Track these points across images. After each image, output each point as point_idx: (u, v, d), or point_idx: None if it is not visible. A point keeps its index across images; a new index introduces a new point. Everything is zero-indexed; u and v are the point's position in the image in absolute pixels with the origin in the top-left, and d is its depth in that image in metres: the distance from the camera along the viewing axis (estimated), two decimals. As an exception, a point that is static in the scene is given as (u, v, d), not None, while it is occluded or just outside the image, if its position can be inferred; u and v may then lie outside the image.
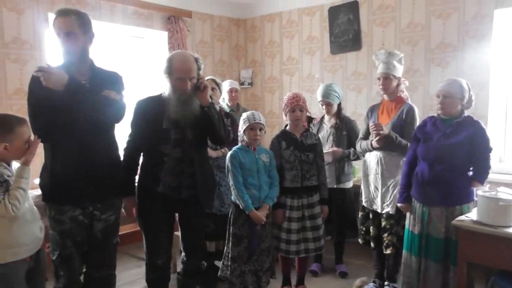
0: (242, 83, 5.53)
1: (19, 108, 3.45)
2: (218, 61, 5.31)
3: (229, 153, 2.84)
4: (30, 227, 2.09)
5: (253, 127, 2.78)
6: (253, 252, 2.80)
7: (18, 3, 3.57)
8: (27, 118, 2.18)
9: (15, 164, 2.13)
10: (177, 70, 2.38)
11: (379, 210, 3.07)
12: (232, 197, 2.82)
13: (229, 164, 2.80)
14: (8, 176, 2.03)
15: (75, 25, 2.16)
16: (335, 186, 3.45)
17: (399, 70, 3.06)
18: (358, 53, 4.51)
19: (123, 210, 2.52)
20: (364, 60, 4.48)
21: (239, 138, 2.88)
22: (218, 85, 3.43)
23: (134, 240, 3.57)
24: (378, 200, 3.06)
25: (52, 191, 2.23)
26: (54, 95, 2.07)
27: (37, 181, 2.34)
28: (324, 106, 3.52)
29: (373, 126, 2.90)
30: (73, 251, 2.27)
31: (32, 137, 2.10)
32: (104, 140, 2.32)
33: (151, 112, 2.44)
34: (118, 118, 2.34)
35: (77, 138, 2.19)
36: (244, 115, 2.84)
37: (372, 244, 3.17)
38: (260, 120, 2.79)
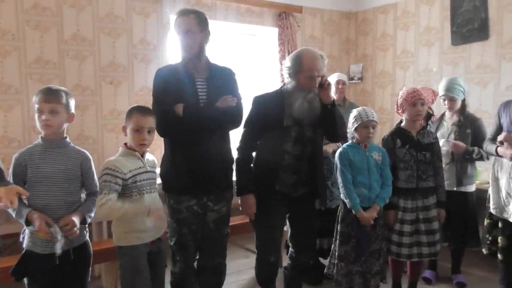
0: (351, 78, 5.38)
1: (144, 103, 3.76)
2: (327, 56, 5.18)
3: (338, 151, 2.77)
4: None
5: (366, 125, 2.67)
6: (361, 253, 2.70)
7: (146, 7, 3.90)
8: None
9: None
10: (307, 68, 2.36)
11: (511, 219, 2.73)
12: (341, 195, 2.75)
13: (338, 162, 2.72)
14: (140, 167, 2.18)
15: (193, 24, 2.28)
16: (455, 188, 3.16)
17: None
18: (484, 44, 4.08)
19: (241, 208, 2.55)
20: (491, 51, 4.03)
21: (349, 135, 2.78)
22: None
23: (242, 231, 3.69)
24: (511, 208, 2.72)
25: (172, 182, 2.38)
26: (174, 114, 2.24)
27: (157, 170, 2.51)
28: (446, 102, 3.24)
29: (506, 138, 2.59)
30: (189, 238, 2.40)
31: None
32: (219, 137, 2.41)
33: (271, 109, 2.44)
34: (237, 123, 2.42)
35: (195, 136, 2.31)
36: (356, 111, 2.73)
37: (499, 256, 2.84)
38: (373, 117, 2.67)
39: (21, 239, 2.12)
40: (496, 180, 2.85)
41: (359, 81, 5.36)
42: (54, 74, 3.57)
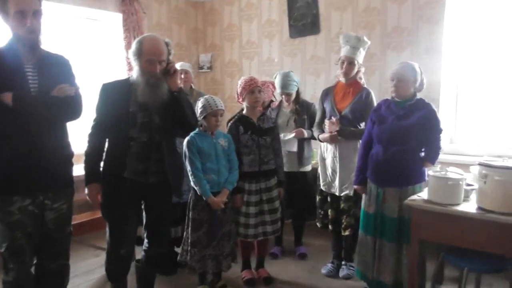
0: (201, 68, 5.46)
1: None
2: (175, 45, 5.18)
3: (186, 139, 2.79)
4: None
5: (215, 114, 2.76)
6: (214, 237, 2.79)
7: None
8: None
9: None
10: (147, 52, 2.32)
11: (337, 193, 3.12)
12: (191, 183, 2.79)
13: (186, 150, 2.76)
14: None
15: (38, 3, 2.07)
16: (296, 170, 3.47)
17: (362, 57, 3.10)
18: (316, 37, 4.53)
19: (88, 198, 2.44)
20: (322, 44, 4.50)
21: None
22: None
23: (90, 230, 3.49)
24: (336, 183, 3.11)
25: (-1, 181, 2.11)
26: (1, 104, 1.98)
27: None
28: (283, 96, 3.51)
29: (330, 124, 3.03)
30: (24, 242, 2.16)
31: None
32: (56, 129, 2.22)
33: (117, 95, 2.38)
34: (77, 114, 2.25)
35: (26, 128, 2.08)
36: (204, 100, 2.78)
37: (330, 227, 3.23)
38: (222, 106, 2.78)
39: None
40: (323, 160, 3.24)
41: (209, 70, 5.47)
42: None
